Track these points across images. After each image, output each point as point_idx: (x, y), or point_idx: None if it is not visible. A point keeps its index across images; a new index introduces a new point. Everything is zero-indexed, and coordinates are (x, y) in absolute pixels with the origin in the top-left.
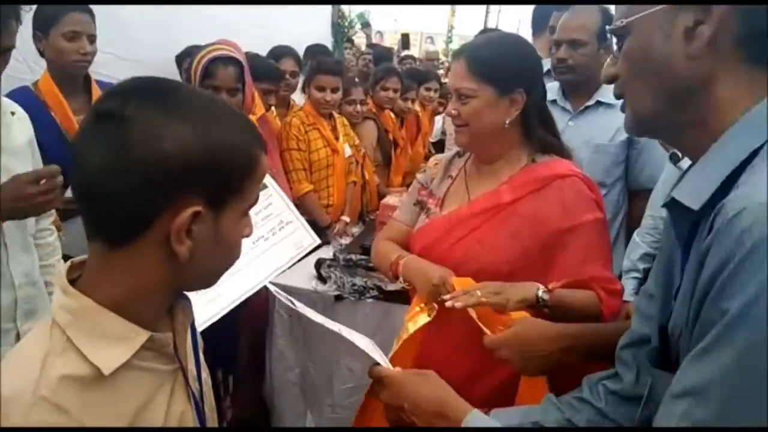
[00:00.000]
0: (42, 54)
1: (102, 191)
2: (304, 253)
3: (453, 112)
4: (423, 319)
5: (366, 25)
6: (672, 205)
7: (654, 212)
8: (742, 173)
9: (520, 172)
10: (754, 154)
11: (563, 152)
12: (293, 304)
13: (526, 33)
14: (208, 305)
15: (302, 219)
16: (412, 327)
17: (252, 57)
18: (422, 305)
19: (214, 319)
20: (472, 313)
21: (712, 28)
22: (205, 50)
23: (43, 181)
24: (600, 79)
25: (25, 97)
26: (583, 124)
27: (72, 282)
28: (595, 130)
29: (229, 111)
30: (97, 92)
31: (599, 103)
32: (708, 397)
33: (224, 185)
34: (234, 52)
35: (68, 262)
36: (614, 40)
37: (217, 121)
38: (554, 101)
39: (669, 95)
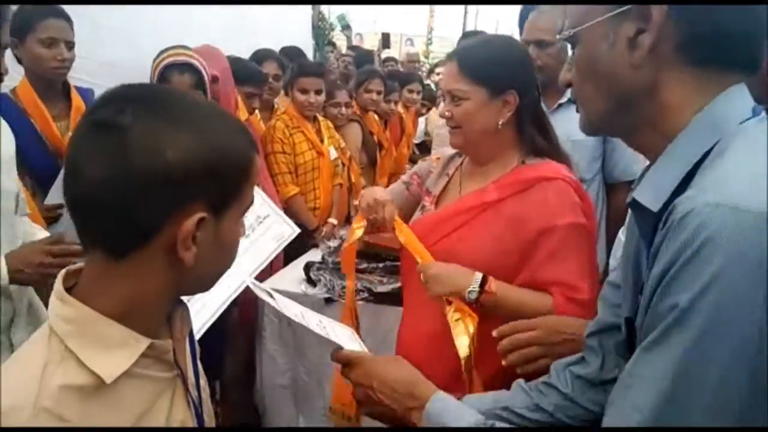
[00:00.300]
0: (19, 60)
1: (103, 204)
2: (285, 244)
3: (446, 113)
4: (358, 233)
5: (346, 27)
6: (633, 205)
7: None
8: (695, 174)
9: (509, 173)
10: (707, 154)
11: (558, 155)
12: (271, 296)
13: (506, 34)
14: (200, 312)
15: (279, 210)
16: (349, 240)
17: (234, 60)
18: (360, 223)
19: (208, 325)
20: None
21: (653, 37)
22: (163, 55)
23: (57, 247)
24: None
25: (3, 103)
26: (560, 121)
27: (68, 290)
28: (572, 127)
29: (222, 114)
30: (76, 98)
31: (571, 101)
32: (654, 387)
33: (225, 189)
34: (192, 58)
35: (63, 270)
36: (569, 46)
37: (212, 125)
38: None
39: (617, 100)
